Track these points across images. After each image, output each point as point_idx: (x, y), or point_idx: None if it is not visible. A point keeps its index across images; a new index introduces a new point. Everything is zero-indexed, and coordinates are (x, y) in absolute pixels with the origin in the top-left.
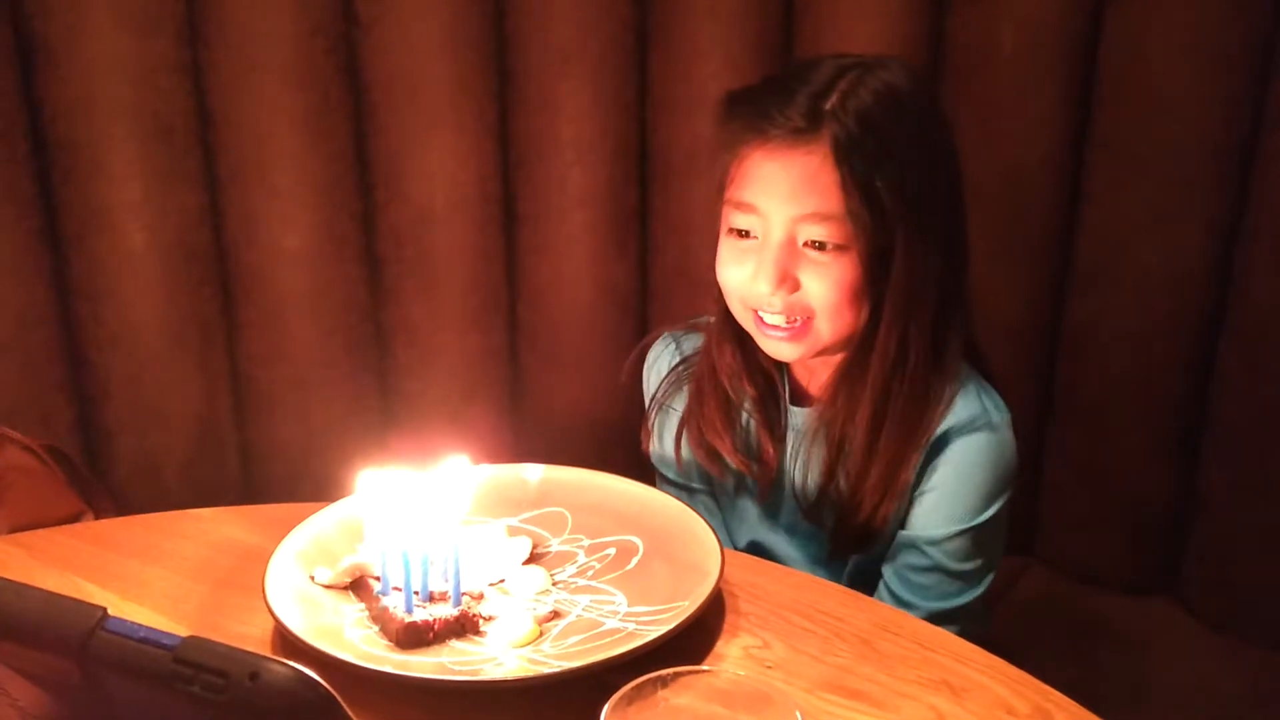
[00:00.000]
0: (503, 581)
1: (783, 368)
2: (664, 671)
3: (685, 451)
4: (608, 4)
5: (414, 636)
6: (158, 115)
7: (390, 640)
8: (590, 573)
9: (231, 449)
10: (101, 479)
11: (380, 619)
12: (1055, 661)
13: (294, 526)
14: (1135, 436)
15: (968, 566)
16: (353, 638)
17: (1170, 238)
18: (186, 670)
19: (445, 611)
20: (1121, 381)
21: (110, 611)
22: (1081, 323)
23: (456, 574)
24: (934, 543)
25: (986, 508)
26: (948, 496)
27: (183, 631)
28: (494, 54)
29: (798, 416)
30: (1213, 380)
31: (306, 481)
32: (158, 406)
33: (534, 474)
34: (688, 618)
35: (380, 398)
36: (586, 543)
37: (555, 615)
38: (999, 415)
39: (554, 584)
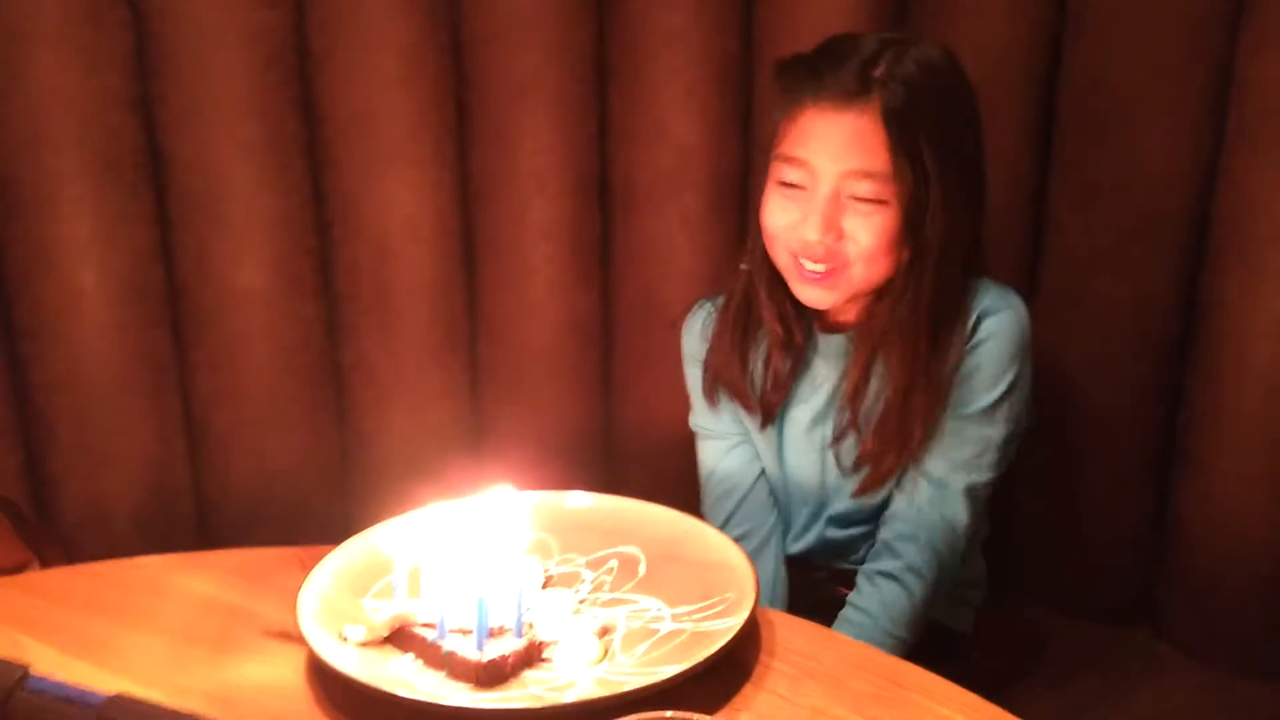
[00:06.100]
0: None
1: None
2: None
3: (720, 397)
4: (566, 36)
5: (495, 674)
6: (106, 151)
7: (468, 681)
8: (606, 586)
9: (185, 493)
10: (49, 527)
11: (448, 663)
12: (1033, 693)
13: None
14: (1106, 465)
15: (1005, 431)
16: (429, 687)
17: (1135, 264)
18: None
19: (514, 644)
20: (1090, 410)
21: (35, 670)
22: (1048, 351)
23: (519, 605)
24: (984, 410)
25: (1013, 368)
26: (988, 365)
27: (124, 687)
28: (451, 86)
29: (829, 343)
30: (1181, 407)
31: (264, 525)
32: (107, 451)
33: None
34: (756, 593)
35: (339, 438)
36: (583, 560)
37: (606, 631)
38: (1015, 297)
39: (580, 602)
